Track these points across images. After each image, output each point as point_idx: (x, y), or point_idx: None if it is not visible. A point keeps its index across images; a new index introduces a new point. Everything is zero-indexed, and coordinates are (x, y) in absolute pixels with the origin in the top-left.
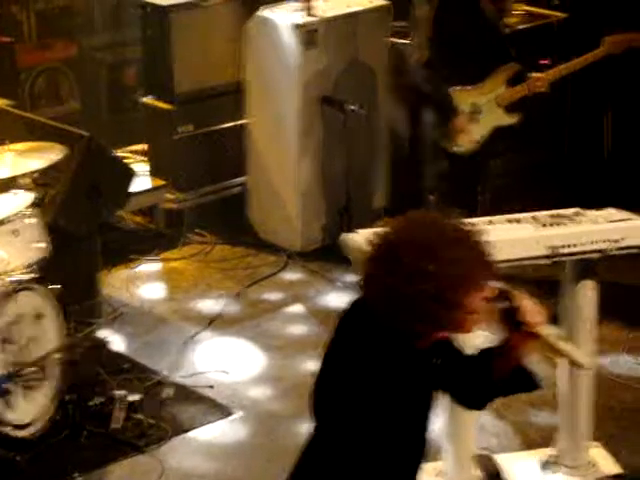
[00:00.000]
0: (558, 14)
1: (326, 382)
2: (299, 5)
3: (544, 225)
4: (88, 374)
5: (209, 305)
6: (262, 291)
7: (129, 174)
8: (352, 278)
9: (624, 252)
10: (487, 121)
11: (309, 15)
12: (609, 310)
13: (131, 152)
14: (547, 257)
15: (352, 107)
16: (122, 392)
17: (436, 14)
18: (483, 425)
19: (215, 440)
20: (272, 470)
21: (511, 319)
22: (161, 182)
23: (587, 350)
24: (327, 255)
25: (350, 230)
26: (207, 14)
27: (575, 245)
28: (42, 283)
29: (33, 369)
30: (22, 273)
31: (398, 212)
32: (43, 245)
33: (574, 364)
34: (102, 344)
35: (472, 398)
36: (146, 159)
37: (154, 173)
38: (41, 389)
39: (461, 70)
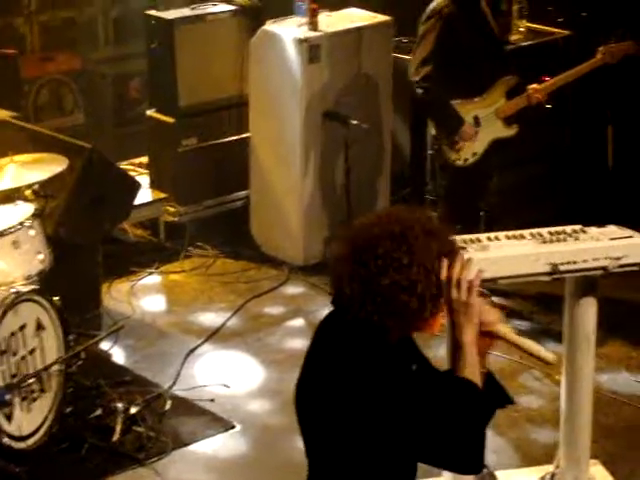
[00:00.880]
0: (562, 31)
1: (306, 393)
2: (303, 20)
3: (545, 242)
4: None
5: (210, 318)
6: (263, 305)
7: (134, 186)
8: None
9: (625, 270)
10: (486, 133)
11: (313, 30)
12: (609, 327)
13: (133, 164)
14: (547, 274)
15: (355, 122)
16: (122, 404)
17: (441, 28)
18: None
19: (215, 453)
20: None
21: None
22: (162, 195)
23: (587, 367)
24: (329, 269)
25: None
26: (211, 28)
27: (576, 262)
28: (43, 294)
29: (33, 381)
30: (23, 284)
31: None
32: (44, 256)
33: (539, 360)
34: (103, 356)
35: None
36: (148, 172)
37: (156, 186)
38: (41, 401)
39: (463, 83)
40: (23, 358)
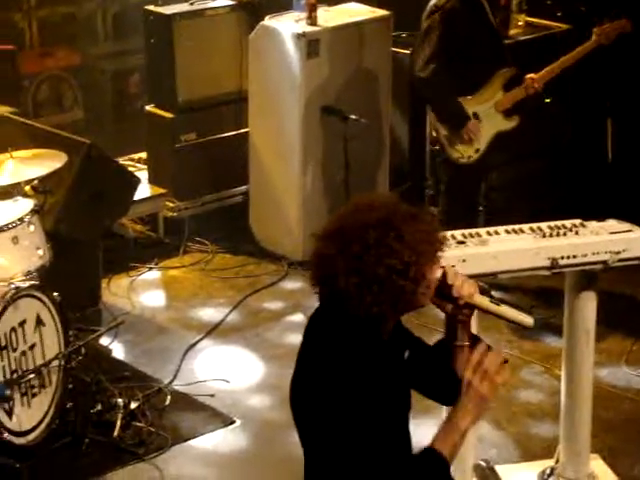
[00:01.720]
0: (561, 25)
1: (298, 390)
2: (302, 15)
3: (544, 236)
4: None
5: (209, 313)
6: (263, 300)
7: (133, 182)
8: None
9: (625, 264)
10: (488, 128)
11: (312, 25)
12: (609, 322)
13: (133, 160)
14: (547, 268)
15: (354, 116)
16: (122, 400)
17: (444, 24)
18: (483, 436)
19: (215, 448)
20: (271, 478)
21: (446, 296)
22: (161, 190)
23: (587, 361)
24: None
25: None
26: (210, 23)
27: (576, 256)
28: (42, 290)
29: (33, 376)
30: (22, 280)
31: None
32: (43, 252)
33: (519, 325)
34: (103, 352)
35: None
36: (147, 167)
37: (154, 181)
38: (41, 396)
39: (463, 79)
40: (23, 354)
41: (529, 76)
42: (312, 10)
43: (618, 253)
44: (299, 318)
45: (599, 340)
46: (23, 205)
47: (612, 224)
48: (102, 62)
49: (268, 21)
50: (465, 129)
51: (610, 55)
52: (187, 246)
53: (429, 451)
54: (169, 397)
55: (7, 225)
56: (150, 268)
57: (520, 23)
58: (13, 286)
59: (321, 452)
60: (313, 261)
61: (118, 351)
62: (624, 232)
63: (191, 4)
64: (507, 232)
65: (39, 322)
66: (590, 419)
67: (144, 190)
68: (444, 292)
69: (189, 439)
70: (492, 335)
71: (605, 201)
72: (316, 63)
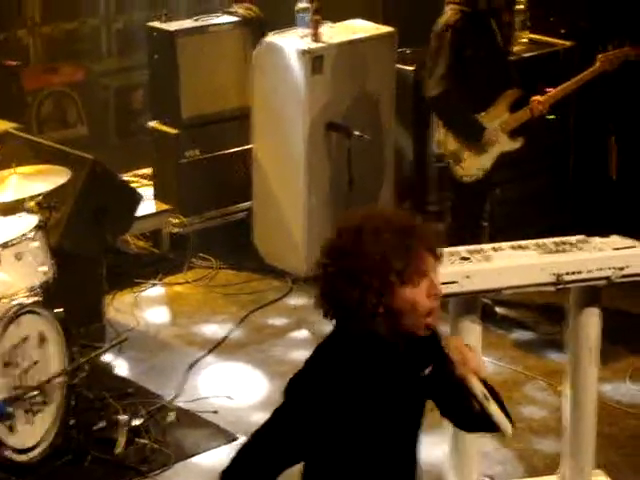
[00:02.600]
0: (565, 42)
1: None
2: (306, 31)
3: (549, 252)
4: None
5: (213, 330)
6: (266, 316)
7: (135, 198)
8: None
9: (628, 280)
10: (493, 148)
11: (316, 41)
12: (613, 337)
13: (136, 176)
14: (552, 284)
15: (358, 133)
16: (126, 416)
17: (453, 42)
18: (487, 452)
19: (218, 465)
20: None
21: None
22: (165, 206)
23: (591, 377)
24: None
25: None
26: (214, 39)
27: (580, 272)
28: (46, 306)
29: (36, 393)
30: (25, 296)
31: None
32: (47, 268)
33: (498, 429)
34: (106, 368)
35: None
36: (151, 183)
37: (159, 197)
38: (44, 413)
39: (471, 98)
40: (26, 370)
41: (534, 98)
42: (316, 27)
43: (622, 269)
44: (303, 334)
45: (603, 356)
46: (27, 221)
47: (616, 240)
48: (106, 78)
49: (272, 37)
50: (484, 139)
51: (612, 76)
52: (191, 262)
53: None
54: (172, 414)
55: (11, 241)
56: (154, 284)
57: (524, 40)
58: (16, 302)
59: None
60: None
61: (122, 368)
62: (627, 248)
63: (195, 20)
64: (512, 248)
65: (42, 339)
66: (594, 435)
67: (149, 206)
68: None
69: (192, 456)
70: (496, 352)
71: (608, 218)
72: (320, 79)
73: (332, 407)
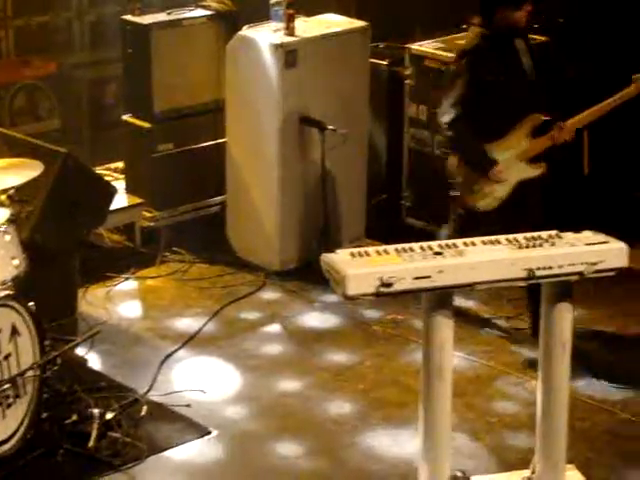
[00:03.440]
0: (539, 37)
1: None
2: (280, 25)
3: (521, 247)
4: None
5: (186, 324)
6: (240, 310)
7: (110, 192)
8: (330, 298)
9: (601, 275)
10: (512, 176)
11: (289, 35)
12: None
13: (110, 169)
14: (524, 279)
15: (331, 127)
16: (98, 410)
17: (472, 70)
18: (459, 447)
19: (191, 459)
20: None
21: None
22: (138, 200)
23: (563, 372)
24: (305, 275)
25: (329, 250)
26: (188, 33)
27: (552, 267)
28: (18, 300)
29: (8, 386)
30: None
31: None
32: (19, 262)
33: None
34: (78, 362)
35: None
36: (124, 177)
37: (131, 191)
38: (16, 407)
39: (491, 124)
40: None
41: (559, 125)
42: (290, 20)
43: (594, 264)
44: (276, 329)
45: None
46: None
47: (588, 235)
48: (79, 71)
49: (246, 31)
50: (491, 173)
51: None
52: (164, 256)
53: None
54: (145, 407)
55: None
56: (127, 278)
57: None
58: None
59: None
60: None
61: (94, 361)
62: (600, 243)
63: (168, 14)
64: (484, 243)
65: (14, 332)
66: (566, 430)
67: (121, 200)
68: None
69: (165, 449)
70: (467, 346)
71: (581, 213)
72: (294, 73)
73: None
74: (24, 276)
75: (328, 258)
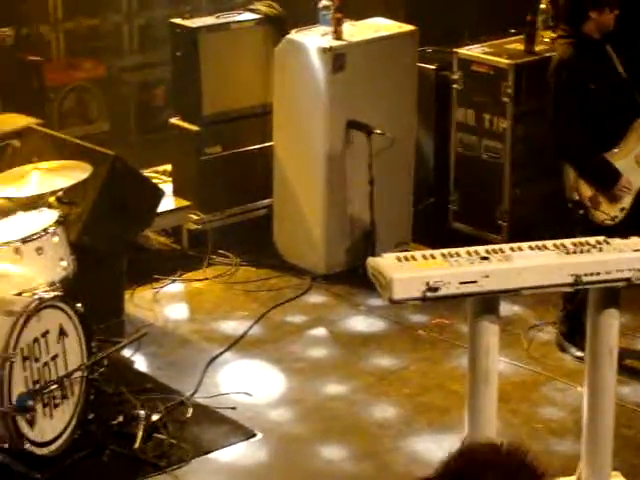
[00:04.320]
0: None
1: None
2: (328, 29)
3: (568, 252)
4: (110, 393)
5: (232, 326)
6: (285, 313)
7: (157, 194)
8: (376, 302)
9: None
10: (635, 184)
11: (337, 39)
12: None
13: (157, 172)
14: (570, 285)
15: (379, 131)
16: (144, 412)
17: (571, 81)
18: None
19: (236, 462)
20: None
21: None
22: (186, 203)
23: (610, 379)
24: (351, 279)
25: (375, 254)
26: (236, 36)
27: (599, 273)
28: (66, 301)
29: (55, 387)
30: (46, 291)
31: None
32: (67, 263)
33: None
34: (125, 363)
35: None
36: (171, 179)
37: (179, 194)
38: (63, 407)
39: (600, 135)
40: (45, 364)
41: None
42: (338, 24)
43: None
44: (321, 332)
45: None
46: (47, 216)
47: (636, 241)
48: (127, 74)
49: (294, 35)
50: (618, 186)
51: None
52: (211, 259)
53: None
54: (191, 409)
55: (32, 236)
56: (173, 280)
57: (546, 40)
58: (37, 297)
59: None
60: None
61: (140, 363)
62: None
63: (217, 17)
64: (531, 248)
65: (62, 333)
66: (612, 437)
67: (168, 202)
68: None
69: (210, 452)
70: (513, 352)
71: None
72: (341, 77)
73: None
74: (72, 278)
75: (374, 262)
